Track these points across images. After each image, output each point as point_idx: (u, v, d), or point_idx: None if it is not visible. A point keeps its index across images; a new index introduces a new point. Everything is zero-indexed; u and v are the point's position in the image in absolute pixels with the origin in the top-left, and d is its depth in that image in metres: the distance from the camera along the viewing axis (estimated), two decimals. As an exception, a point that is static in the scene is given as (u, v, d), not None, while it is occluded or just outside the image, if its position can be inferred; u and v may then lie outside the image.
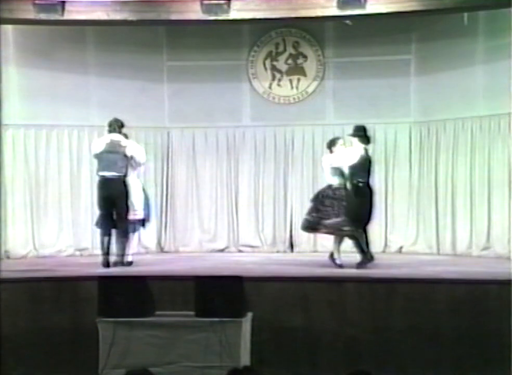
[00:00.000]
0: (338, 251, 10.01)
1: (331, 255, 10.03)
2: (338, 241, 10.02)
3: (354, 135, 10.10)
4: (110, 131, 10.32)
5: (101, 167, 10.11)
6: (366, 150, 10.08)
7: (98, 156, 10.18)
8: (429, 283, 8.72)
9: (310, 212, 10.10)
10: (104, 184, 10.06)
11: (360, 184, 9.87)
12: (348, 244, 10.36)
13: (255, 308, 8.24)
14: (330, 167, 10.05)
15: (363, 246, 9.85)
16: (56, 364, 8.51)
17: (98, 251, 10.72)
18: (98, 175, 10.15)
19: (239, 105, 12.79)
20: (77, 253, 11.96)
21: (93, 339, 8.00)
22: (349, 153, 10.02)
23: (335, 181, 10.01)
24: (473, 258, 11.29)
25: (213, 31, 12.10)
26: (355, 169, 9.91)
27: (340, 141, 10.22)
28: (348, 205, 9.81)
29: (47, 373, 8.44)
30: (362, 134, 10.07)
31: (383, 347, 8.38)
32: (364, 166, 9.98)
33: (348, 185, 9.96)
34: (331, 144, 10.20)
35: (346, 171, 9.96)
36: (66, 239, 11.96)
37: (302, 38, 12.72)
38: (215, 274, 9.08)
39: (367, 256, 9.85)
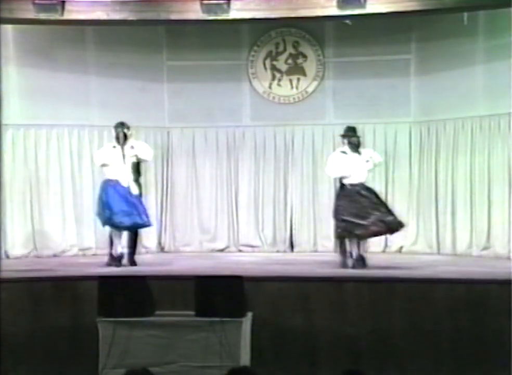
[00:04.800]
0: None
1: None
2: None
3: (350, 136, 10.15)
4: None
5: None
6: None
7: None
8: (429, 283, 8.73)
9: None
10: None
11: None
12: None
13: (255, 307, 8.24)
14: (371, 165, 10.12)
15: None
16: (56, 364, 8.51)
17: (101, 250, 10.77)
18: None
19: (239, 105, 12.79)
20: (81, 253, 11.95)
21: (93, 339, 8.00)
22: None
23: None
24: (473, 258, 11.29)
25: (213, 31, 12.09)
26: None
27: None
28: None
29: (47, 373, 8.44)
30: (355, 134, 10.21)
31: (383, 347, 8.39)
32: None
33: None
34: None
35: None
36: (70, 239, 11.94)
37: (301, 38, 12.72)
38: (215, 274, 9.09)
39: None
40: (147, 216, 10.36)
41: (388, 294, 8.58)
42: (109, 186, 10.27)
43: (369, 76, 12.35)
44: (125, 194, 10.21)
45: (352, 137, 10.08)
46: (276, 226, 12.71)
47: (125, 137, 10.40)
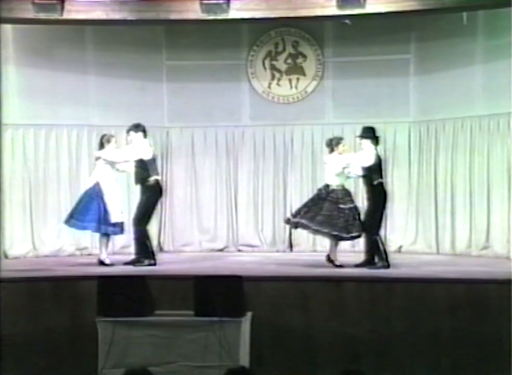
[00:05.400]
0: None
1: (329, 257, 10.00)
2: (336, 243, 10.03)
3: (365, 136, 10.08)
4: (145, 136, 10.54)
5: (157, 171, 10.56)
6: (377, 151, 10.11)
7: (152, 160, 10.46)
8: (428, 283, 8.73)
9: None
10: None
11: (378, 185, 9.94)
12: (347, 243, 10.53)
13: (255, 307, 8.24)
14: (341, 168, 9.98)
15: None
16: (56, 364, 8.51)
17: (97, 250, 10.76)
18: (156, 178, 10.43)
19: (238, 104, 12.79)
20: (78, 252, 11.95)
21: (92, 339, 8.00)
22: (367, 153, 10.00)
23: (338, 182, 9.99)
24: (472, 258, 11.29)
25: (212, 31, 12.09)
26: (373, 169, 9.93)
27: (343, 141, 10.23)
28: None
29: (47, 372, 8.44)
30: (372, 135, 10.08)
31: (383, 347, 8.39)
32: (380, 167, 10.06)
33: (365, 186, 10.04)
34: (337, 143, 10.14)
35: (362, 171, 9.96)
36: (66, 239, 11.93)
37: (301, 38, 12.72)
38: (215, 273, 9.08)
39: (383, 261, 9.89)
40: (88, 221, 10.30)
41: (388, 293, 8.58)
42: None
43: (368, 76, 12.35)
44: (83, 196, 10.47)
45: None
46: (275, 226, 12.71)
47: (108, 141, 10.47)
